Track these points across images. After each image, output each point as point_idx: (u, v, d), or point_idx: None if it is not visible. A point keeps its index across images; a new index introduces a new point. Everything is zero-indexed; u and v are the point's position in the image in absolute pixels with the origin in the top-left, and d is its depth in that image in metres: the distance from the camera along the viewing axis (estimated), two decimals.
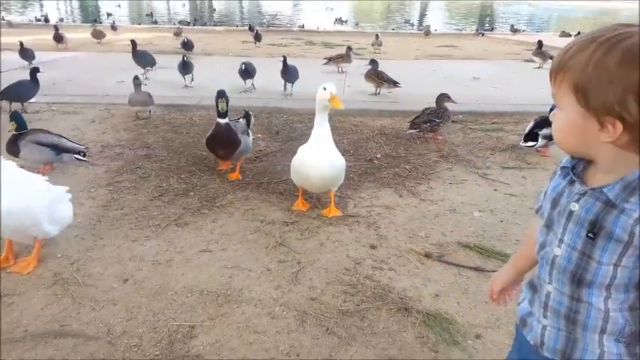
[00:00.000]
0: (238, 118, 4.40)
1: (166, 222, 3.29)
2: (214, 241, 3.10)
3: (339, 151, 3.42)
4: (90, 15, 21.33)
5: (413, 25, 23.54)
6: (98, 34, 12.67)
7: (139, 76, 5.61)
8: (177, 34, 13.53)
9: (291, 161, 3.45)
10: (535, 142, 4.45)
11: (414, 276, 2.77)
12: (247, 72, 6.79)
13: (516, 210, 3.56)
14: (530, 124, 4.56)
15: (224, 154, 3.92)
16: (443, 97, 4.99)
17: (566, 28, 19.40)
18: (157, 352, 2.18)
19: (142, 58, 7.90)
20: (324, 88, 3.13)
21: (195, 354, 2.18)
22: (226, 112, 3.78)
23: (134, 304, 2.48)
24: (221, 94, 3.75)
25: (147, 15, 21.90)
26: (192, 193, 3.73)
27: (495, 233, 3.24)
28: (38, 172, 3.18)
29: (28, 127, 3.89)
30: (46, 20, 18.35)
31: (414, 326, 2.37)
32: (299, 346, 2.24)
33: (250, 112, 4.55)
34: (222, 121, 3.77)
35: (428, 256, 2.96)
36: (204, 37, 15.07)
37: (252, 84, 6.99)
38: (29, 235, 2.72)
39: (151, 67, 7.99)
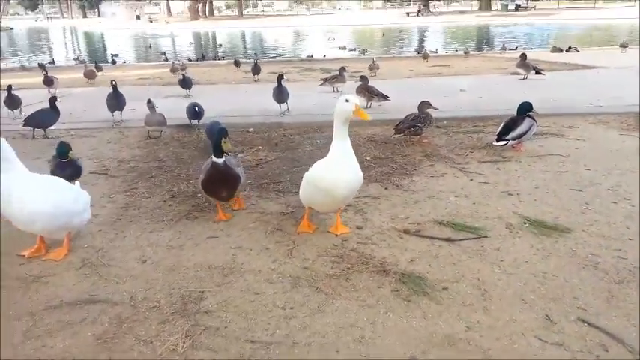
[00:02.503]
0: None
1: (178, 217, 3.75)
2: (220, 229, 3.54)
3: None
4: (99, 57, 22.36)
5: (416, 50, 24.16)
6: (90, 74, 12.33)
7: (151, 99, 6.15)
8: (175, 70, 13.01)
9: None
10: (505, 142, 4.91)
11: (393, 247, 3.18)
12: (196, 113, 6.45)
13: (488, 194, 3.98)
14: (502, 125, 5.02)
15: (227, 194, 3.57)
16: (424, 104, 5.47)
17: (557, 44, 20.03)
18: (173, 311, 2.60)
19: (10, 100, 7.32)
20: (347, 100, 2.95)
21: (205, 310, 2.60)
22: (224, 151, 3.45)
23: (152, 278, 2.92)
24: (224, 134, 3.41)
25: (161, 54, 23.07)
26: (199, 195, 4.18)
27: (467, 212, 3.65)
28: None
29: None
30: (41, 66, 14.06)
31: (391, 283, 2.77)
32: (292, 301, 2.65)
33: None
34: (219, 160, 3.45)
35: (406, 232, 3.38)
36: (209, 70, 15.81)
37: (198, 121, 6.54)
38: (61, 229, 3.18)
39: (17, 111, 7.38)
